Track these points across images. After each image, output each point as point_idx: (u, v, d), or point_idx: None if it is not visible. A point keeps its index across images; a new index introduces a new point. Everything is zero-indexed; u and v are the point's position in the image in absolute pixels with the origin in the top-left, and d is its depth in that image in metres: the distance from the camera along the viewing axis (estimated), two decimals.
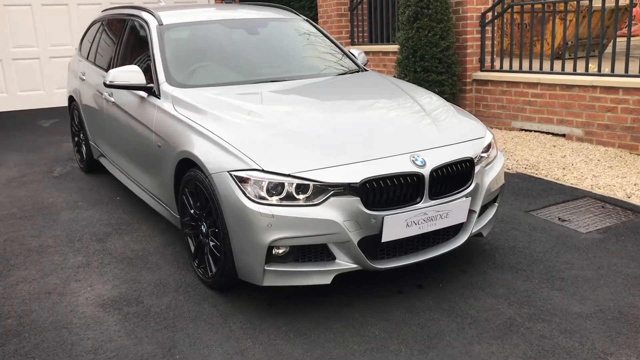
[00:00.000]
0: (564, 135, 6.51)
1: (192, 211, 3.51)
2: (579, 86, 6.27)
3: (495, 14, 7.21)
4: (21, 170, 6.15)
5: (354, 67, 4.64)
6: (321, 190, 2.97)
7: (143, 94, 4.11)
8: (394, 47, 7.88)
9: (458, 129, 3.55)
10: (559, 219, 4.29)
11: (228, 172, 3.06)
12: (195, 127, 3.42)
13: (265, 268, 3.02)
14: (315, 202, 2.96)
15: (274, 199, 2.97)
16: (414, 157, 3.14)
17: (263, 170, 2.99)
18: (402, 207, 3.07)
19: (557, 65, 7.02)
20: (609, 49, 9.60)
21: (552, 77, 6.54)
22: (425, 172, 3.10)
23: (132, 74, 4.00)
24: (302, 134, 3.25)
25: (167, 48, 4.19)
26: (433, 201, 3.15)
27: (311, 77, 4.26)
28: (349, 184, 2.96)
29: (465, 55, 7.46)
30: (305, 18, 4.99)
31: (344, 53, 4.78)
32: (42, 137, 7.75)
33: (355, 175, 2.99)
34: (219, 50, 4.42)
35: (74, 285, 3.53)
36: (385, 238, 3.04)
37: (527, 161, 5.72)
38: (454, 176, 3.25)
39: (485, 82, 7.36)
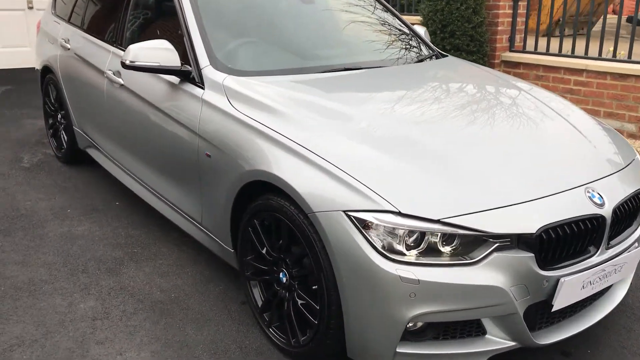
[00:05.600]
0: None
1: (263, 250, 2.57)
2: (636, 76, 5.58)
3: None
4: None
5: (425, 49, 3.72)
6: (477, 243, 2.10)
7: (173, 78, 3.06)
8: (414, 18, 6.96)
9: (612, 147, 2.73)
10: None
11: (344, 212, 2.13)
12: (277, 137, 2.44)
13: (397, 350, 2.14)
14: (472, 260, 2.09)
15: (413, 254, 2.08)
16: (588, 191, 2.31)
17: (399, 213, 2.08)
18: (577, 263, 2.25)
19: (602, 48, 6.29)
20: None
21: (602, 64, 5.83)
22: (606, 212, 2.28)
23: (163, 52, 2.93)
24: (439, 155, 2.33)
25: (205, 17, 3.12)
26: (609, 251, 2.35)
27: (389, 64, 3.31)
28: (520, 235, 2.11)
29: (495, 33, 6.64)
30: None
31: (412, 30, 3.84)
32: None
33: (529, 221, 2.12)
34: (268, 22, 3.37)
35: (95, 350, 2.53)
36: (558, 305, 2.22)
37: None
38: (628, 215, 2.45)
39: (516, 65, 6.59)
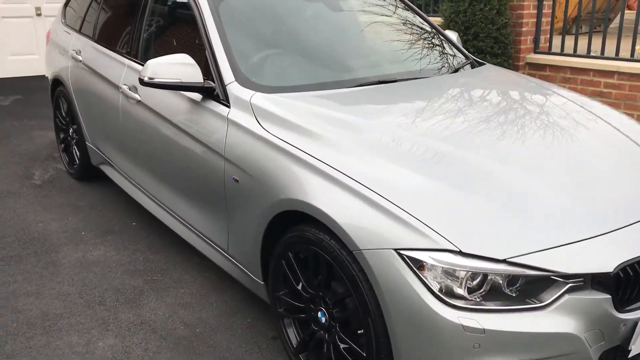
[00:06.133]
0: None
1: (298, 286, 2.34)
2: None
3: None
4: None
5: (460, 56, 3.47)
6: (545, 283, 1.86)
7: (195, 95, 2.84)
8: (434, 20, 6.70)
9: None
10: None
11: (396, 250, 1.90)
12: (314, 163, 2.21)
13: None
14: (541, 303, 1.85)
15: (475, 299, 1.85)
16: None
17: (460, 253, 1.84)
18: None
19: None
20: None
21: (636, 66, 5.56)
22: None
23: (183, 67, 2.71)
24: (499, 184, 2.09)
25: (227, 27, 2.90)
26: None
27: (425, 75, 3.06)
28: (594, 274, 1.87)
29: (519, 35, 6.38)
30: None
31: (444, 37, 3.59)
32: (3, 121, 6.22)
33: (604, 258, 1.89)
34: (295, 32, 3.14)
35: None
36: (635, 350, 1.98)
37: None
38: None
39: (542, 67, 6.33)
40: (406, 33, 3.43)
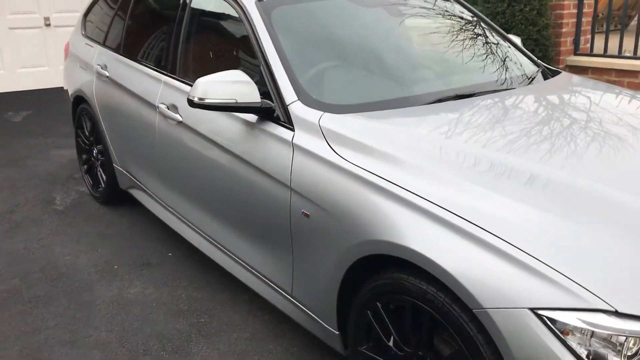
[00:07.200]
0: None
1: (389, 342, 1.99)
2: None
3: None
4: (5, 197, 4.38)
5: (531, 64, 3.13)
6: None
7: (250, 116, 2.50)
8: None
9: None
10: None
11: (532, 310, 1.55)
12: (408, 197, 1.87)
13: None
14: None
15: None
16: None
17: (616, 313, 1.50)
18: None
19: None
20: None
21: None
22: None
23: (238, 86, 2.37)
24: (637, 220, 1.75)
25: (282, 39, 2.56)
26: None
27: (503, 86, 2.72)
28: None
29: (559, 36, 6.04)
30: None
31: (511, 42, 3.24)
32: (18, 139, 5.89)
33: None
34: (356, 42, 2.79)
35: None
36: None
37: None
38: None
39: (583, 69, 5.99)
40: (472, 39, 3.08)
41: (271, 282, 2.54)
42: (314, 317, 2.32)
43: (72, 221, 3.95)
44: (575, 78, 3.07)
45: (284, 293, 2.47)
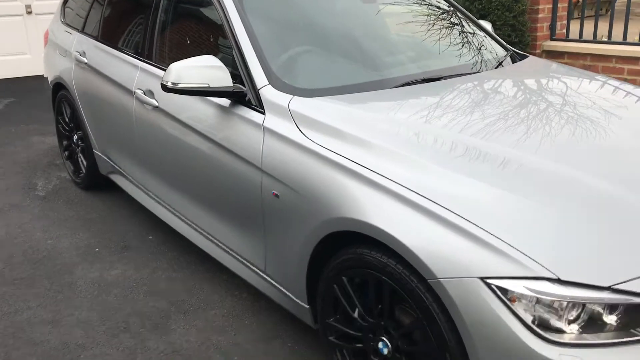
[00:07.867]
0: None
1: (354, 313, 2.10)
2: None
3: None
4: None
5: (500, 49, 3.22)
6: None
7: (223, 101, 2.58)
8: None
9: None
10: None
11: (482, 279, 1.66)
12: (372, 177, 1.96)
13: None
14: None
15: (575, 331, 1.62)
16: None
17: (559, 280, 1.61)
18: None
19: None
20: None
21: None
22: None
23: (211, 70, 2.45)
24: (591, 196, 1.85)
25: (254, 24, 2.63)
26: None
27: (470, 70, 2.82)
28: None
29: (535, 22, 6.15)
30: None
31: (480, 27, 3.34)
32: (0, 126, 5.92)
33: None
34: (327, 27, 2.87)
35: None
36: None
37: None
38: None
39: (560, 54, 6.10)
40: (442, 24, 3.17)
41: (246, 261, 2.63)
42: (285, 293, 2.43)
43: (53, 206, 4.02)
44: (541, 62, 3.18)
45: (258, 271, 2.57)
